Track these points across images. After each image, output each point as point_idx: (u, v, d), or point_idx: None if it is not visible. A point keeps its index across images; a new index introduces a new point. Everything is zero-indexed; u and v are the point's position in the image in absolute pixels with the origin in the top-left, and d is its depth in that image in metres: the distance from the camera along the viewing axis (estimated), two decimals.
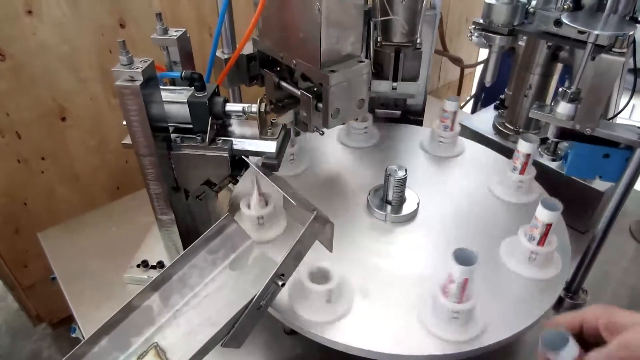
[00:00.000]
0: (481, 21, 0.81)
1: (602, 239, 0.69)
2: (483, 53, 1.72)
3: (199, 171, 0.68)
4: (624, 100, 0.94)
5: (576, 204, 0.84)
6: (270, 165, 0.67)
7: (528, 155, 0.77)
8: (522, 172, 0.79)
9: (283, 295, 0.63)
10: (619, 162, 0.64)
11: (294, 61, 0.72)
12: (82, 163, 1.23)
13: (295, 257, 0.57)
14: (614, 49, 0.58)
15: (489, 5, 0.80)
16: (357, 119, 0.96)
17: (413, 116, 1.08)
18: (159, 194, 0.67)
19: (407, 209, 0.80)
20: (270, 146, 0.67)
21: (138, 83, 0.56)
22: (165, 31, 0.73)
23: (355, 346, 0.60)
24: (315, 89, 0.73)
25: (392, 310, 0.64)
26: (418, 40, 0.84)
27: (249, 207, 0.74)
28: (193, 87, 0.66)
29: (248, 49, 0.82)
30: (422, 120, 1.09)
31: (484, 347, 0.60)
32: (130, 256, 0.85)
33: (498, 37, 0.80)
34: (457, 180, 0.89)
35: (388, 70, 0.86)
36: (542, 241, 0.64)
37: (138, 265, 0.84)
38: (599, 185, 0.87)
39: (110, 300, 0.80)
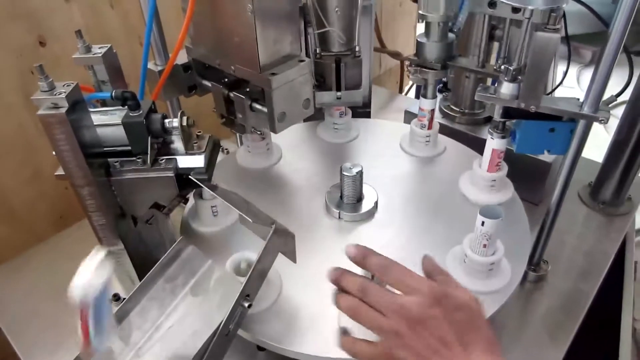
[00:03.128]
0: (415, 58, 0.84)
1: (556, 211, 0.71)
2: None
3: (144, 195, 0.64)
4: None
5: (527, 177, 0.86)
6: (201, 181, 0.63)
7: (432, 111, 0.83)
8: (429, 127, 0.85)
9: None
10: (564, 134, 0.65)
11: (232, 67, 0.69)
12: (17, 196, 1.14)
13: (259, 275, 0.54)
14: (548, 26, 0.59)
15: (421, 44, 0.82)
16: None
17: (360, 108, 1.07)
18: (103, 224, 0.63)
19: (363, 207, 0.79)
20: (198, 161, 0.63)
21: (63, 110, 0.52)
22: (88, 49, 0.68)
23: (320, 355, 0.59)
24: (249, 89, 0.70)
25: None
26: (357, 48, 0.84)
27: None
28: (126, 107, 0.61)
29: (182, 57, 0.78)
30: (370, 112, 1.08)
31: None
32: None
33: (432, 72, 0.83)
34: (429, 179, 0.89)
35: (330, 81, 0.85)
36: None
37: None
38: (546, 157, 0.89)
39: (65, 345, 0.74)
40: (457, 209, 0.81)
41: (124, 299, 0.65)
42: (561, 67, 0.99)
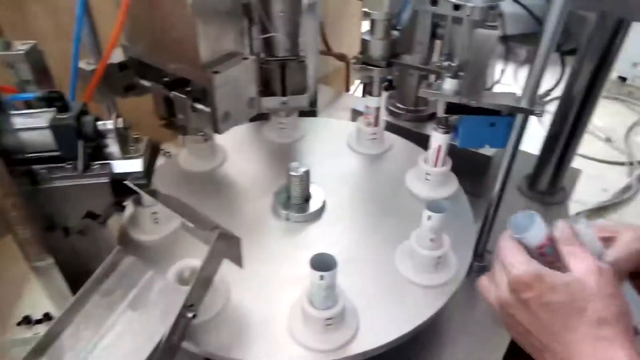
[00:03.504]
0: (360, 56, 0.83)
1: (498, 202, 0.73)
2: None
3: (77, 204, 0.59)
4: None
5: (469, 171, 0.88)
6: (139, 186, 0.60)
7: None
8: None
9: None
10: (504, 128, 0.67)
11: (172, 65, 0.66)
12: None
13: (202, 284, 0.52)
14: (487, 23, 0.60)
15: (366, 42, 0.82)
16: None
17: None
18: (29, 238, 0.58)
19: (311, 207, 0.78)
20: (135, 165, 0.60)
21: None
22: (7, 45, 0.62)
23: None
24: (190, 89, 0.67)
25: (269, 316, 0.63)
26: (302, 53, 0.83)
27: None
28: (54, 109, 0.57)
29: (118, 56, 0.73)
30: (316, 111, 1.07)
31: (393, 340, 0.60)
32: (8, 314, 0.73)
33: (377, 69, 0.82)
34: (376, 176, 0.89)
35: (276, 86, 0.83)
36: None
37: (19, 323, 0.71)
38: (486, 151, 0.92)
39: None
40: (404, 204, 0.81)
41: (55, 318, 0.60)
42: (498, 67, 1.02)
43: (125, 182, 0.59)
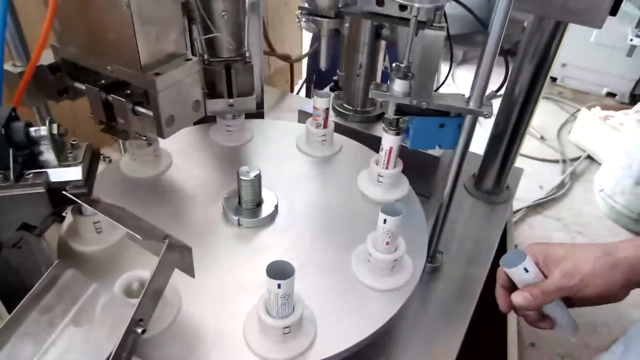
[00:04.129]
0: (307, 5, 0.80)
1: (449, 202, 0.74)
2: (307, 37, 1.74)
3: (9, 216, 0.55)
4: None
5: (419, 172, 0.89)
6: (79, 195, 0.56)
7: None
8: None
9: None
10: (453, 129, 0.68)
11: (109, 67, 0.62)
12: None
13: (152, 296, 0.49)
14: (434, 24, 0.61)
15: None
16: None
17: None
18: None
19: (263, 212, 0.76)
20: (74, 173, 0.56)
21: None
22: None
23: None
24: (129, 92, 0.64)
25: (222, 325, 0.61)
26: (247, 54, 0.80)
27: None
28: None
29: (49, 57, 0.68)
30: (263, 112, 1.06)
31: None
32: None
33: (326, 20, 0.79)
34: (328, 179, 0.88)
35: (221, 88, 0.81)
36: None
37: None
38: (434, 151, 0.93)
39: None
40: (357, 207, 0.81)
41: None
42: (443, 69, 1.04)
43: (63, 191, 0.56)
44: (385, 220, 0.61)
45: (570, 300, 0.61)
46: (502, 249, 0.99)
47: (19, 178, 0.54)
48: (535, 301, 0.58)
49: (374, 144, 0.84)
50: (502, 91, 0.95)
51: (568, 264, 0.58)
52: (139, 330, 0.48)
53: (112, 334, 0.49)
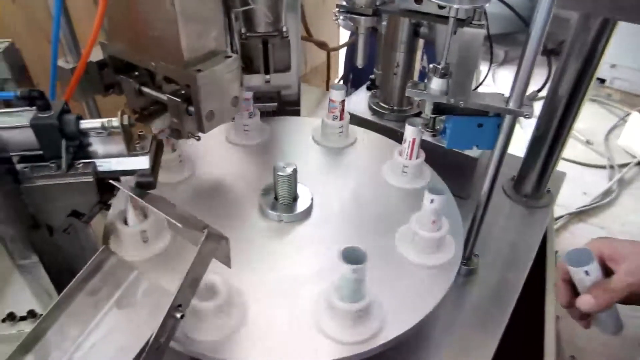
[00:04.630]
0: (345, 3, 0.80)
1: (486, 204, 0.73)
2: (344, 34, 1.75)
3: (60, 203, 0.58)
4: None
5: (456, 173, 0.88)
6: (146, 184, 0.59)
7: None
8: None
9: None
10: (492, 129, 0.67)
11: (152, 63, 0.65)
12: None
13: (191, 284, 0.51)
14: (473, 22, 0.60)
15: None
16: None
17: (290, 107, 1.05)
18: (13, 236, 0.57)
19: (300, 206, 0.77)
20: (142, 162, 0.59)
21: None
22: None
23: None
24: (183, 91, 0.66)
25: (290, 316, 0.62)
26: (284, 29, 0.81)
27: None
28: (35, 107, 0.56)
29: (98, 54, 0.72)
30: (299, 110, 1.07)
31: (391, 340, 0.60)
32: None
33: (363, 18, 0.79)
34: (351, 170, 0.89)
35: (258, 63, 0.81)
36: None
37: (4, 320, 0.70)
38: (472, 152, 0.92)
39: None
40: (384, 195, 0.82)
41: (41, 315, 0.59)
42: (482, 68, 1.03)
43: (110, 180, 0.59)
44: (432, 200, 0.63)
45: (632, 299, 0.59)
46: (541, 254, 0.96)
47: (69, 167, 0.57)
48: (600, 306, 0.57)
49: None
50: (544, 92, 0.92)
51: (634, 262, 0.57)
52: (178, 315, 0.50)
53: (152, 317, 0.52)
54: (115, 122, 0.57)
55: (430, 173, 0.85)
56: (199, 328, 0.58)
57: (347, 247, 0.55)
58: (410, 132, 0.78)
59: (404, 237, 0.72)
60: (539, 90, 0.82)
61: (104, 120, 0.58)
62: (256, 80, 0.82)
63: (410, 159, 0.81)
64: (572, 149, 2.06)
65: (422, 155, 0.82)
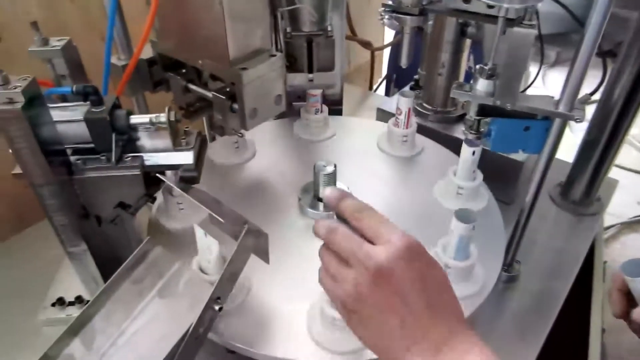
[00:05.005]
0: (390, 2, 0.80)
1: (530, 210, 0.71)
2: (389, 34, 1.73)
3: (109, 194, 0.61)
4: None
5: (499, 176, 0.86)
6: (190, 178, 0.61)
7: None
8: (406, 126, 0.87)
9: None
10: (539, 133, 0.65)
11: (200, 61, 0.66)
12: None
13: (230, 277, 0.52)
14: (524, 22, 0.59)
15: None
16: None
17: (333, 105, 1.05)
18: (64, 225, 0.60)
19: None
20: (187, 157, 0.61)
21: (19, 105, 0.48)
22: (45, 42, 0.65)
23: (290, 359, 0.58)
24: (228, 89, 0.67)
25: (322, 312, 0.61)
26: (329, 28, 0.81)
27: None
28: (88, 102, 0.58)
29: (148, 52, 0.74)
30: (342, 109, 1.07)
31: None
32: (42, 296, 0.76)
33: (409, 18, 0.79)
34: (404, 180, 0.88)
35: (302, 62, 0.82)
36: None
37: (53, 304, 0.74)
38: (518, 156, 0.89)
39: (23, 351, 0.70)
40: (430, 211, 0.80)
41: (88, 301, 0.62)
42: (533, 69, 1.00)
43: (157, 174, 0.61)
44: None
45: None
46: (588, 264, 0.93)
47: (119, 160, 0.59)
48: None
49: (453, 145, 0.82)
50: (597, 95, 0.89)
51: None
52: (217, 308, 0.51)
53: (192, 308, 0.53)
54: (162, 117, 0.59)
55: (488, 197, 0.82)
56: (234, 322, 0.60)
57: (460, 209, 0.59)
58: (403, 102, 0.81)
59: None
60: (592, 93, 0.79)
61: (152, 115, 0.60)
62: (300, 79, 0.83)
63: (407, 128, 0.84)
64: (626, 155, 1.96)
65: (480, 177, 0.79)
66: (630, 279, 0.56)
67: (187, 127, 0.63)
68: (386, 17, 0.80)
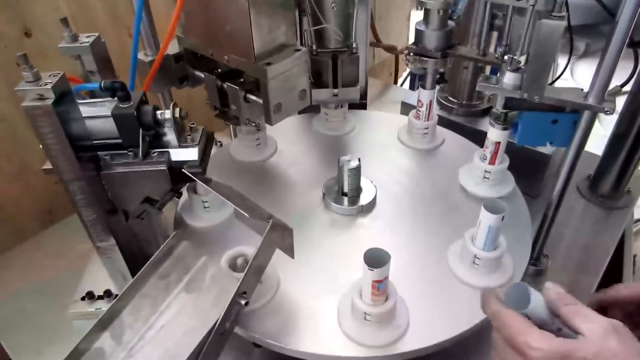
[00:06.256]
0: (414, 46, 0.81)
1: (558, 204, 0.70)
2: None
3: (136, 189, 0.62)
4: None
5: (526, 169, 0.85)
6: (194, 174, 0.61)
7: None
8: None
9: None
10: (567, 126, 0.64)
11: (225, 57, 0.66)
12: (2, 192, 1.11)
13: (255, 272, 0.52)
14: (553, 13, 0.57)
15: (420, 32, 0.80)
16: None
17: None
18: (93, 220, 0.61)
19: (362, 200, 0.77)
20: (191, 153, 0.61)
21: (50, 101, 0.49)
22: (74, 38, 0.66)
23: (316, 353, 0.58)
24: (242, 79, 0.68)
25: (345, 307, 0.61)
26: (354, 45, 0.82)
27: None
28: (116, 98, 0.59)
29: (174, 47, 0.75)
30: (366, 104, 1.06)
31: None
32: (71, 290, 0.77)
33: (432, 60, 0.81)
34: (428, 172, 0.87)
35: (327, 78, 0.84)
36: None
37: (83, 298, 0.75)
38: (545, 148, 0.88)
39: (53, 344, 0.72)
40: (457, 202, 0.79)
41: (116, 295, 0.63)
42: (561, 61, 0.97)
43: (182, 170, 0.61)
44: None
45: None
46: (617, 258, 0.91)
47: (145, 156, 0.60)
48: None
49: (478, 138, 0.81)
50: (628, 86, 0.86)
51: None
52: (242, 302, 0.51)
53: (218, 303, 0.54)
54: (167, 114, 0.59)
55: (513, 183, 0.80)
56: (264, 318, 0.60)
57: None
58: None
59: (457, 251, 0.68)
60: (623, 85, 0.76)
61: (158, 112, 0.60)
62: (324, 94, 0.86)
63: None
64: None
65: (506, 161, 0.78)
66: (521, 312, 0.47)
67: (192, 123, 0.63)
68: (410, 60, 0.82)
